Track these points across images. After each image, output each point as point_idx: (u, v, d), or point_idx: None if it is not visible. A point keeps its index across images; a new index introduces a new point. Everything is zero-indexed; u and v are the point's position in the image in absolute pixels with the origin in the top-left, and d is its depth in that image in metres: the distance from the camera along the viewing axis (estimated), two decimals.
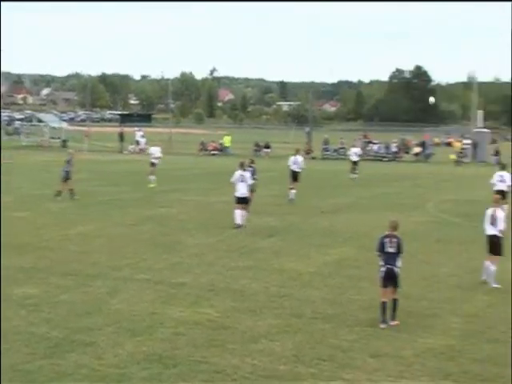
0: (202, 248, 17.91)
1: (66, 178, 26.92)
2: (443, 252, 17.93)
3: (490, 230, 14.46)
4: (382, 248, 11.82)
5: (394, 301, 11.64)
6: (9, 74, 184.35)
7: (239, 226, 20.85)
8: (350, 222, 22.95)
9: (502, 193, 23.90)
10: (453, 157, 56.43)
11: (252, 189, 23.10)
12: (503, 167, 26.01)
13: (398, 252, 11.72)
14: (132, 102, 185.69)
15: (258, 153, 61.71)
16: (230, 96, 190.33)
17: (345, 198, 30.24)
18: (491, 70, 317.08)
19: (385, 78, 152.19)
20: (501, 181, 24.29)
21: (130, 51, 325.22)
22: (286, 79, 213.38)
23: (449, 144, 79.65)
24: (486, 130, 63.42)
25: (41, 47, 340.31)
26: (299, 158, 29.05)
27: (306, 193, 29.89)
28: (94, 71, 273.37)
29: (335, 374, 9.44)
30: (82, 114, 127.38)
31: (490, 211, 14.62)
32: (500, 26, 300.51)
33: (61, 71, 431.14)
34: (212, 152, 62.37)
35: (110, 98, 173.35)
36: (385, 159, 59.10)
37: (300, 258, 17.00)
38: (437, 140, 78.09)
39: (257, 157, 57.95)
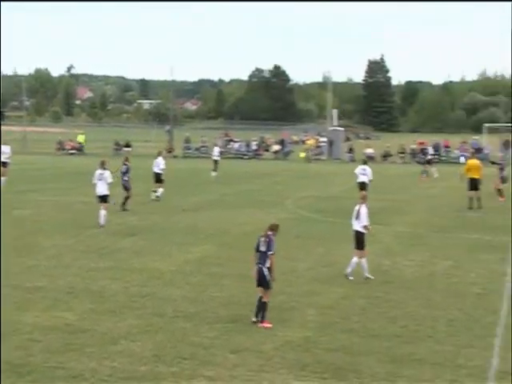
0: (60, 249, 17.34)
1: None
2: (301, 247, 18.45)
3: (355, 226, 15.01)
4: (257, 247, 11.90)
5: (262, 303, 11.66)
6: None
7: (102, 226, 20.50)
8: (211, 220, 23.08)
9: (363, 184, 25.71)
10: (303, 154, 57.99)
11: (127, 186, 24.49)
12: (365, 162, 28.41)
13: (268, 250, 11.72)
14: None
15: (119, 152, 60.57)
16: (88, 94, 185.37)
17: (207, 195, 30.38)
18: (344, 70, 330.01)
19: (245, 77, 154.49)
20: (363, 174, 26.54)
21: None
22: (147, 77, 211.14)
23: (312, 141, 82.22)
24: (340, 128, 65.97)
25: None
26: (160, 160, 28.92)
27: (168, 192, 29.69)
28: None
29: (196, 371, 9.45)
30: None
31: (356, 207, 15.15)
32: (352, 27, 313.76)
33: None
34: (70, 151, 60.56)
35: None
36: (245, 157, 60.00)
37: (162, 257, 16.88)
38: (295, 138, 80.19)
39: (117, 156, 57.06)
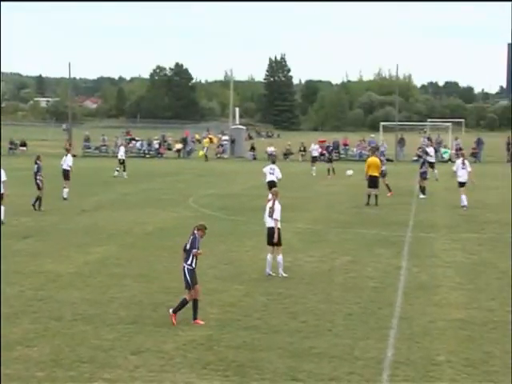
0: None
1: None
2: (204, 245, 18.16)
3: (269, 223, 15.05)
4: (184, 246, 11.78)
5: (193, 301, 11.58)
6: None
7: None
8: (112, 220, 22.71)
9: (273, 183, 25.83)
10: (201, 153, 57.95)
11: (40, 186, 24.60)
12: (274, 161, 28.39)
13: (190, 249, 11.64)
14: None
15: (14, 151, 58.59)
16: None
17: (107, 195, 29.86)
18: (246, 69, 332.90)
19: (146, 74, 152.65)
20: (271, 173, 26.50)
21: None
22: (44, 74, 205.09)
23: (210, 140, 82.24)
24: (242, 126, 66.38)
25: None
26: (69, 157, 29.04)
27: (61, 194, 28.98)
28: None
29: (95, 374, 9.26)
30: None
31: (269, 204, 15.18)
32: (253, 25, 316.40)
33: None
34: None
35: None
36: (147, 156, 59.37)
37: (60, 259, 16.46)
38: (197, 136, 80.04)
39: (12, 155, 55.15)
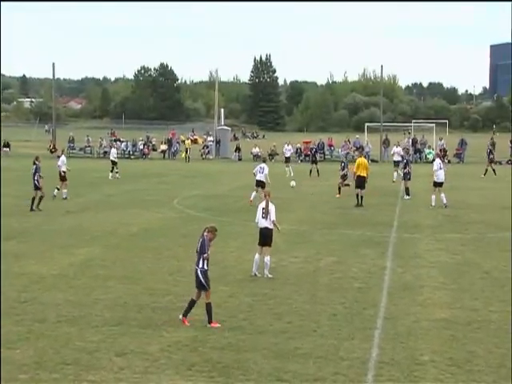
0: None
1: None
2: (188, 246, 18.31)
3: (263, 223, 15.05)
4: (196, 248, 11.71)
5: (206, 305, 11.48)
6: None
7: None
8: (97, 221, 22.62)
9: (261, 182, 26.52)
10: (183, 154, 57.79)
11: (38, 186, 24.68)
12: (264, 160, 28.99)
13: (201, 252, 11.57)
14: None
15: None
16: None
17: (92, 196, 29.74)
18: (231, 69, 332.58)
19: (131, 75, 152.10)
20: (260, 172, 26.93)
21: None
22: (28, 74, 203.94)
23: (195, 141, 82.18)
24: (227, 127, 66.38)
25: None
26: (63, 158, 29.49)
27: (50, 192, 28.83)
28: None
29: (80, 376, 9.21)
30: None
31: (262, 205, 15.16)
32: (239, 26, 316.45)
33: None
34: None
35: None
36: (132, 157, 59.18)
37: (43, 260, 16.37)
38: (182, 137, 79.91)
39: None
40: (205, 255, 11.52)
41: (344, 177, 29.78)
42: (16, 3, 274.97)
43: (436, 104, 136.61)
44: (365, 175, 26.86)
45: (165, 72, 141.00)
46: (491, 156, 43.63)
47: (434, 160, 30.05)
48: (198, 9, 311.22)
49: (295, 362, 9.87)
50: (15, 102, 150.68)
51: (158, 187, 34.09)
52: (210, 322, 11.45)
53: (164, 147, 60.99)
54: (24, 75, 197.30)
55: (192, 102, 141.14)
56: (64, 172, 28.67)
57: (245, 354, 10.12)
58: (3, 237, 19.17)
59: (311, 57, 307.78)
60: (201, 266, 11.54)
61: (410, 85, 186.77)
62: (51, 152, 58.88)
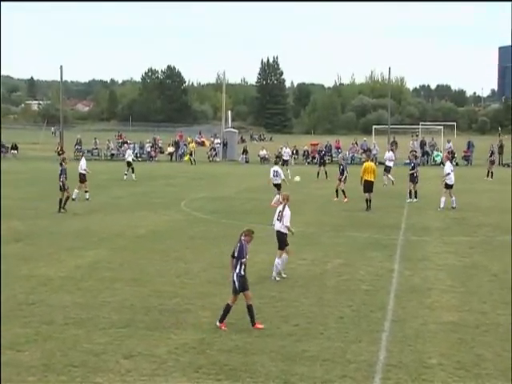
0: None
1: None
2: (196, 248, 18.44)
3: (276, 226, 15.11)
4: (233, 253, 11.71)
5: (247, 307, 11.50)
6: None
7: None
8: (104, 223, 22.68)
9: (278, 186, 27.28)
10: (187, 157, 57.80)
11: (64, 187, 25.19)
12: (276, 163, 30.10)
13: (238, 257, 11.55)
14: None
15: (5, 154, 58.39)
16: None
17: (99, 198, 29.78)
18: (239, 72, 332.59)
19: (138, 77, 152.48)
20: (275, 175, 27.63)
21: None
22: (36, 77, 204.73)
23: (202, 143, 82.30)
24: (234, 129, 66.44)
25: None
26: (83, 161, 30.10)
27: (58, 195, 28.90)
28: None
29: (87, 379, 9.24)
30: None
31: (279, 207, 15.23)
32: (246, 27, 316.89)
33: None
34: None
35: None
36: (140, 159, 59.28)
37: (51, 263, 16.42)
38: (189, 139, 79.98)
39: (3, 159, 54.95)
40: (243, 260, 11.48)
41: (344, 180, 29.52)
42: (24, 3, 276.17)
43: (444, 106, 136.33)
44: (372, 180, 26.57)
45: (172, 74, 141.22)
46: (493, 158, 43.39)
47: (442, 162, 30.09)
48: (207, 10, 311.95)
49: (302, 364, 9.86)
50: (23, 105, 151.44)
51: (166, 189, 34.15)
52: (253, 324, 11.41)
53: (171, 149, 61.10)
54: (32, 77, 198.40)
55: (199, 105, 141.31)
56: (83, 174, 29.19)
57: (252, 357, 10.13)
58: (11, 239, 19.25)
59: (318, 59, 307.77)
60: (237, 270, 11.50)
61: (418, 87, 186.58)
62: (59, 154, 59.06)
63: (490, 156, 43.73)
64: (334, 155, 57.91)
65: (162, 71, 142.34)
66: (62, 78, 68.34)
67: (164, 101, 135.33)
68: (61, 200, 25.26)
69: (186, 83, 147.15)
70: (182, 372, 9.55)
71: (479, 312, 12.56)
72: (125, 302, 12.97)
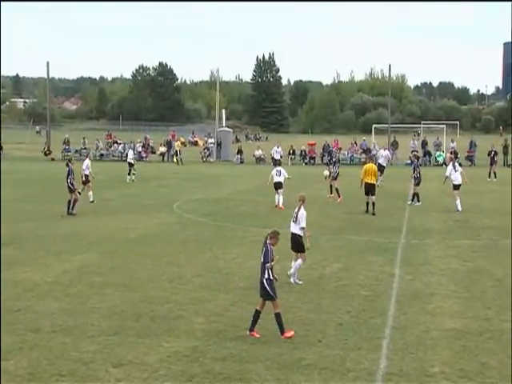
0: None
1: None
2: (189, 252, 18.44)
3: (292, 228, 15.15)
4: (261, 257, 11.71)
5: (274, 315, 11.45)
6: None
7: None
8: (93, 226, 22.66)
9: (280, 184, 28.06)
10: (175, 159, 57.73)
11: (72, 188, 25.45)
12: (280, 163, 31.18)
13: (264, 262, 11.51)
14: None
15: None
16: None
17: (87, 200, 29.70)
18: (233, 69, 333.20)
19: (128, 74, 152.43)
20: (278, 175, 28.23)
21: None
22: (21, 74, 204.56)
23: (195, 143, 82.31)
24: (228, 129, 66.43)
25: None
26: (87, 161, 30.16)
27: (46, 197, 28.98)
28: None
29: None
30: None
31: (295, 209, 15.26)
32: (241, 23, 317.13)
33: None
34: None
35: None
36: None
37: (37, 267, 16.40)
38: (182, 139, 79.99)
39: None
40: (268, 264, 11.46)
41: (335, 176, 30.47)
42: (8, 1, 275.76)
43: (446, 104, 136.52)
44: (373, 182, 26.30)
45: (164, 71, 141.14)
46: (495, 158, 43.30)
47: (444, 163, 30.14)
48: (199, 6, 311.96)
49: (299, 373, 9.87)
50: (8, 103, 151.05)
51: (157, 191, 34.14)
52: (282, 333, 11.35)
53: (163, 149, 61.03)
54: (17, 74, 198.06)
55: (192, 103, 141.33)
56: (87, 175, 29.24)
57: (247, 365, 10.13)
58: None
59: (316, 55, 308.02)
60: (266, 275, 11.46)
61: (420, 84, 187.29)
62: (45, 155, 59.02)
63: (491, 156, 43.62)
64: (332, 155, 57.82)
65: (153, 68, 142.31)
66: (48, 75, 68.34)
67: (155, 99, 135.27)
68: (69, 201, 25.45)
69: (179, 81, 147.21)
70: (174, 381, 9.55)
71: (483, 318, 12.58)
72: (115, 309, 12.96)
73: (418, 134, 71.24)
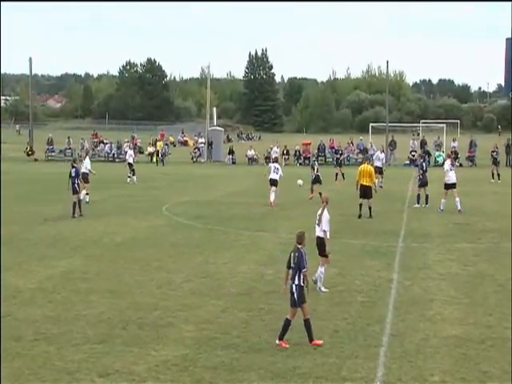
0: None
1: None
2: (178, 257, 18.44)
3: (317, 232, 15.16)
4: (288, 263, 11.64)
5: (304, 322, 11.44)
6: None
7: None
8: (78, 229, 22.64)
9: (275, 181, 29.46)
10: (154, 159, 57.72)
11: (78, 190, 25.78)
12: (276, 160, 32.78)
13: (298, 268, 11.46)
14: None
15: None
16: None
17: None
18: (224, 65, 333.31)
19: (115, 71, 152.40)
20: (275, 172, 29.79)
21: None
22: (2, 70, 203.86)
23: (185, 143, 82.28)
24: (220, 128, 66.43)
25: None
26: (87, 160, 30.50)
27: (29, 199, 28.90)
28: None
29: None
30: None
31: (318, 211, 15.27)
32: (233, 18, 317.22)
33: None
34: None
35: None
36: (117, 160, 59.14)
37: (20, 273, 16.37)
38: (171, 139, 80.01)
39: None
40: (304, 270, 11.43)
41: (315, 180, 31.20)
42: None
43: (446, 103, 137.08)
44: (369, 184, 25.94)
45: (152, 68, 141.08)
46: (497, 158, 43.34)
47: (444, 161, 30.24)
48: (187, 2, 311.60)
49: (294, 382, 9.88)
50: None
51: (146, 193, 34.11)
52: (311, 340, 11.34)
53: (151, 149, 60.99)
54: None
55: (182, 101, 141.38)
56: (86, 174, 29.25)
57: (239, 374, 10.13)
58: None
59: (311, 51, 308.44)
60: (297, 281, 11.42)
61: (419, 82, 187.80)
62: (28, 155, 58.86)
63: (494, 156, 43.65)
64: (327, 155, 58.00)
65: (141, 64, 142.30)
66: (31, 72, 68.13)
67: (143, 97, 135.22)
68: (74, 203, 25.61)
69: (168, 78, 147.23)
70: None
71: (485, 325, 12.62)
72: (101, 316, 12.94)
73: (418, 134, 71.48)
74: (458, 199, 26.78)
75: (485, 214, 27.03)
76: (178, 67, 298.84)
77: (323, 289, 15.00)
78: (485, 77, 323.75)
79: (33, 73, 70.52)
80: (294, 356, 10.91)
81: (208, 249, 19.50)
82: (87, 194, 29.12)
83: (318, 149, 57.87)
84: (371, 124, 67.06)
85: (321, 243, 15.13)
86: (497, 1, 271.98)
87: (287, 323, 11.46)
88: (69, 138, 63.16)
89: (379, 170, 36.63)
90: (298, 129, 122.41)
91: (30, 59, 65.23)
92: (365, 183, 25.87)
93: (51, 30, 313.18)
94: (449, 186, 27.27)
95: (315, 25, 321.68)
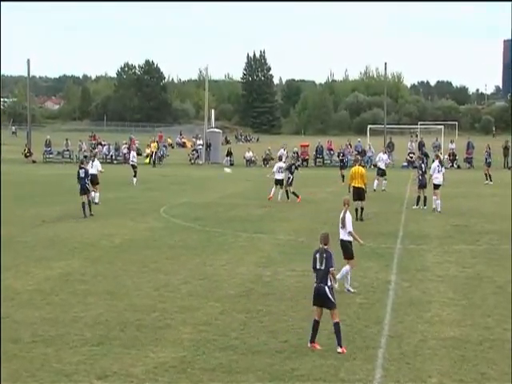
0: None
1: None
2: (176, 259, 18.43)
3: (341, 235, 15.16)
4: (313, 264, 11.61)
5: (334, 325, 11.36)
6: None
7: None
8: (76, 231, 22.63)
9: (280, 181, 30.40)
10: (147, 161, 57.72)
11: (89, 190, 26.39)
12: (280, 159, 33.64)
13: (327, 268, 11.41)
14: None
15: None
16: None
17: (70, 204, 29.60)
18: (223, 67, 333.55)
19: (113, 73, 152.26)
20: (280, 171, 30.80)
21: None
22: (1, 72, 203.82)
23: (183, 145, 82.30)
24: (218, 130, 66.44)
25: None
26: (96, 162, 30.84)
27: (27, 200, 28.87)
28: None
29: None
30: None
31: (341, 214, 15.24)
32: (231, 19, 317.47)
33: None
34: None
35: None
36: (115, 161, 59.17)
37: (18, 274, 16.36)
38: (170, 140, 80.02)
39: None
40: (332, 269, 11.43)
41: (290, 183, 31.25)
42: None
43: (444, 104, 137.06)
44: (361, 186, 25.64)
45: (150, 70, 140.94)
46: (489, 160, 43.24)
47: (433, 161, 30.25)
48: (185, 3, 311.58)
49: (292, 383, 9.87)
50: None
51: (144, 195, 34.11)
52: (340, 345, 11.19)
53: (149, 151, 60.99)
54: None
55: (180, 103, 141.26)
56: (94, 175, 29.34)
57: (237, 376, 10.12)
58: None
59: (309, 53, 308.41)
60: (329, 284, 11.40)
61: (417, 83, 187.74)
62: (26, 156, 58.87)
63: (488, 157, 43.57)
64: (325, 157, 58.03)
65: (139, 66, 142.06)
66: (29, 73, 68.19)
67: (142, 98, 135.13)
68: (83, 204, 25.84)
69: (166, 79, 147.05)
70: None
71: (483, 327, 12.62)
72: (99, 318, 12.93)
73: (416, 136, 71.52)
74: (438, 201, 26.98)
75: (483, 215, 27.04)
76: (176, 69, 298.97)
77: (352, 289, 15.03)
78: (483, 78, 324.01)
79: (31, 74, 70.57)
80: (292, 358, 10.91)
81: (206, 251, 19.50)
82: (94, 191, 29.36)
83: (316, 150, 57.92)
84: (369, 126, 67.12)
85: (346, 247, 15.14)
86: (497, 1, 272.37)
87: (316, 325, 11.45)
88: (67, 139, 63.21)
89: (381, 173, 36.47)
90: (296, 130, 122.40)
91: (28, 61, 65.24)
92: (357, 185, 25.61)
93: (49, 32, 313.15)
94: (434, 187, 27.47)
95: (313, 25, 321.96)
